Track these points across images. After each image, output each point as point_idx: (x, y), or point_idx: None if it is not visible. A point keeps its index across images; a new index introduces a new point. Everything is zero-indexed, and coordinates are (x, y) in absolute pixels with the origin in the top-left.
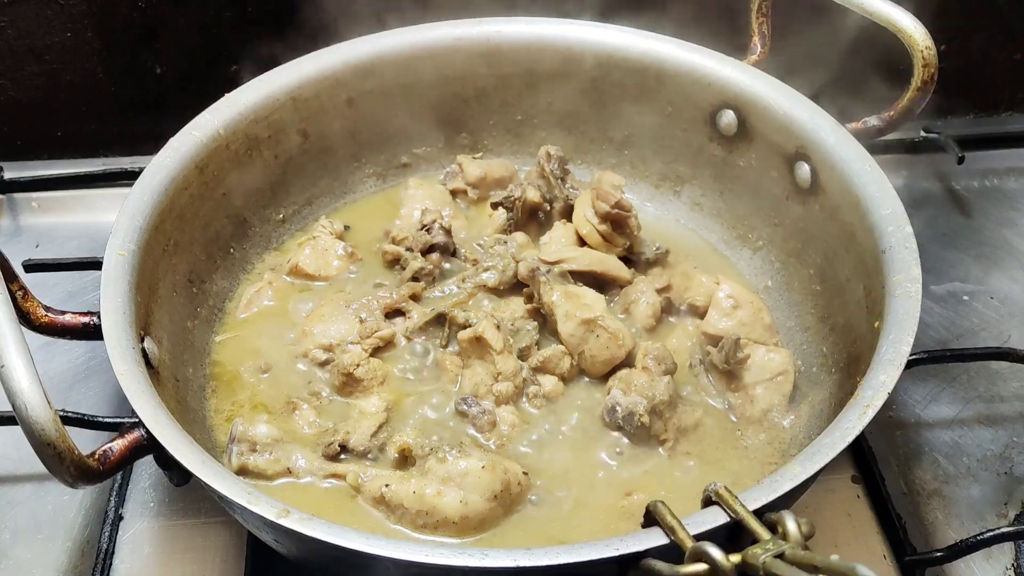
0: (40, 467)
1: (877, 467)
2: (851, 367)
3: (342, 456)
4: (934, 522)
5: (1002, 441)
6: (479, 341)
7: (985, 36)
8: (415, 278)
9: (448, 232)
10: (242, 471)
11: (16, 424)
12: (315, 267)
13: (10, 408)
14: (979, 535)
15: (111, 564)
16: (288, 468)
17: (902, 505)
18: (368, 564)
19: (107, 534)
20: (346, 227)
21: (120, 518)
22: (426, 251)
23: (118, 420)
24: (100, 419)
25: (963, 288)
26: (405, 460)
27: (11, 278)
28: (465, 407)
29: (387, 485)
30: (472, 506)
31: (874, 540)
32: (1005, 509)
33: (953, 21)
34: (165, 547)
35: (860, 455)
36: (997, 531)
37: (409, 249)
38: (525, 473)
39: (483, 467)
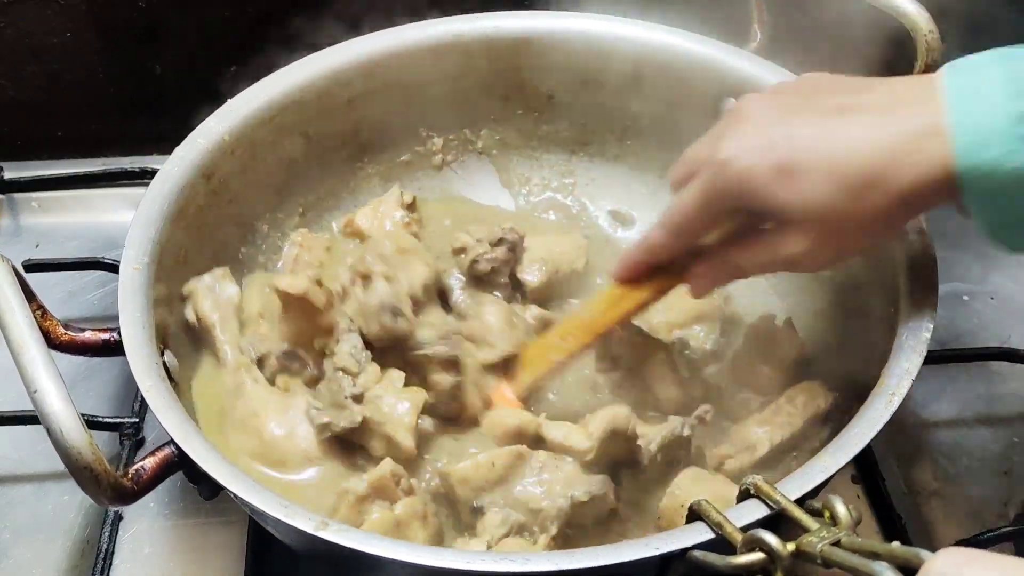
0: (40, 467)
1: (877, 467)
2: (866, 352)
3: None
4: (934, 522)
5: (1002, 441)
6: None
7: (986, 36)
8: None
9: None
10: (186, 295)
11: (16, 424)
12: (368, 225)
13: (10, 408)
14: (979, 535)
15: (111, 564)
16: (214, 324)
17: (902, 505)
18: (396, 569)
19: (107, 534)
20: (413, 200)
21: (120, 518)
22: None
23: (118, 420)
24: (100, 419)
25: (963, 288)
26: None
27: (30, 298)
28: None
29: (254, 380)
30: (288, 444)
31: (874, 540)
32: (1005, 509)
33: (954, 20)
34: (165, 547)
35: (860, 455)
36: (997, 531)
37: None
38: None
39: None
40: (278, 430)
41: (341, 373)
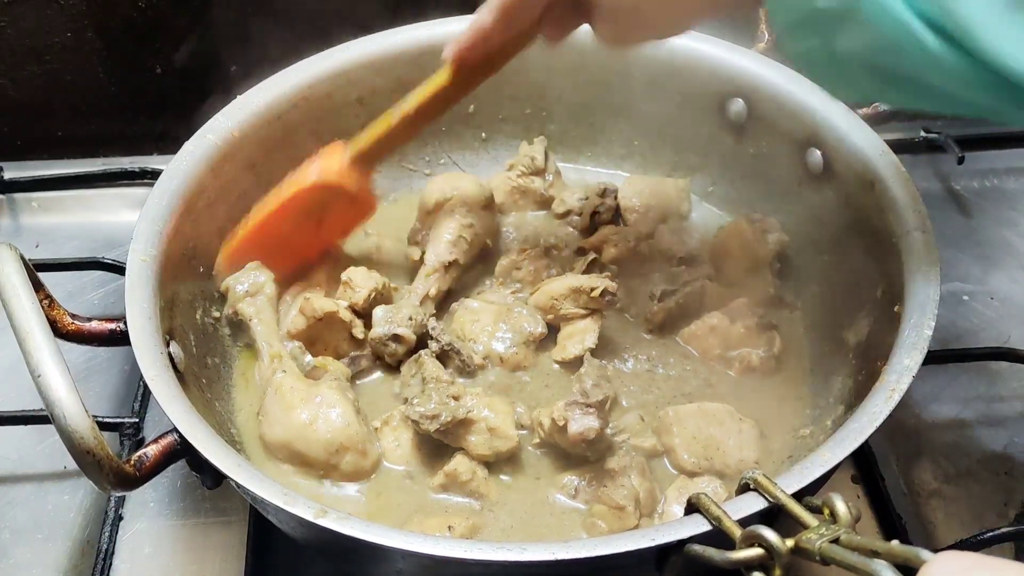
0: (40, 467)
1: (877, 467)
2: (869, 351)
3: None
4: (934, 522)
5: (1002, 441)
6: None
7: None
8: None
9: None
10: (224, 291)
11: (16, 424)
12: (503, 200)
13: (10, 409)
14: (979, 535)
15: (111, 564)
16: (251, 317)
17: (902, 505)
18: (396, 557)
19: (107, 534)
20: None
21: (120, 518)
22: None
23: (118, 420)
24: (100, 419)
25: (963, 288)
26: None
27: (38, 287)
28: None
29: (284, 371)
30: (311, 433)
31: (873, 539)
32: (1005, 509)
33: None
34: (165, 547)
35: (860, 455)
36: (997, 531)
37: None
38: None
39: (348, 424)
40: (304, 416)
41: (434, 382)
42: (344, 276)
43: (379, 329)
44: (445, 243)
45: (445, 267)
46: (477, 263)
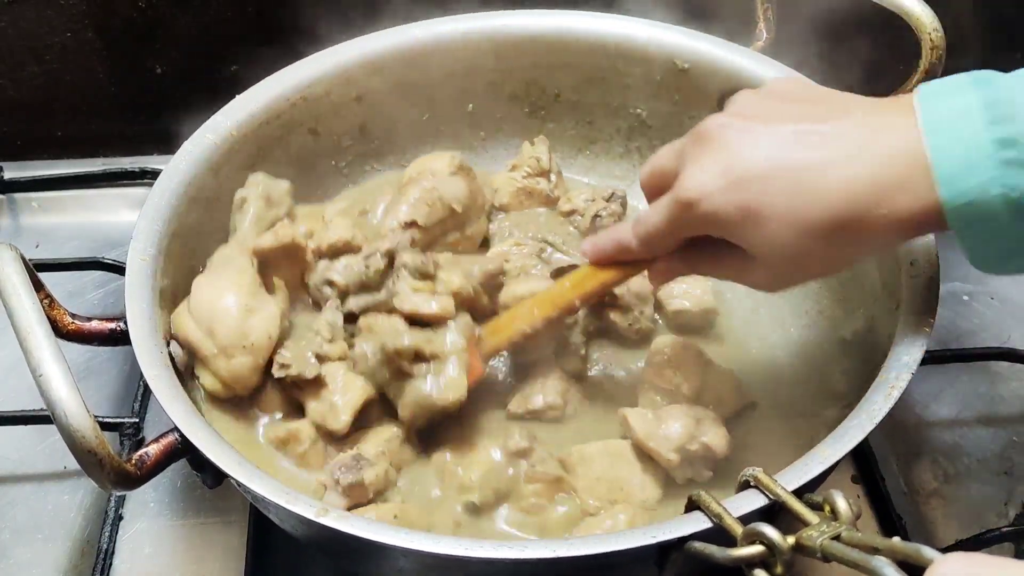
0: (40, 467)
1: (877, 467)
2: (868, 350)
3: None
4: (934, 522)
5: (1002, 441)
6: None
7: (985, 36)
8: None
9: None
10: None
11: (16, 424)
12: (507, 200)
13: (10, 408)
14: (979, 535)
15: (111, 564)
16: (244, 200)
17: (902, 505)
18: (397, 555)
19: (107, 534)
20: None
21: (120, 518)
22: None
23: (118, 420)
24: (100, 419)
25: (963, 288)
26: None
27: (38, 287)
28: None
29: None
30: (242, 319)
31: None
32: (1005, 509)
33: (953, 21)
34: (165, 547)
35: (860, 455)
36: (997, 531)
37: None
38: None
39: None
40: (231, 302)
41: (314, 333)
42: (328, 216)
43: (317, 276)
44: (403, 207)
45: (402, 228)
46: (448, 232)
